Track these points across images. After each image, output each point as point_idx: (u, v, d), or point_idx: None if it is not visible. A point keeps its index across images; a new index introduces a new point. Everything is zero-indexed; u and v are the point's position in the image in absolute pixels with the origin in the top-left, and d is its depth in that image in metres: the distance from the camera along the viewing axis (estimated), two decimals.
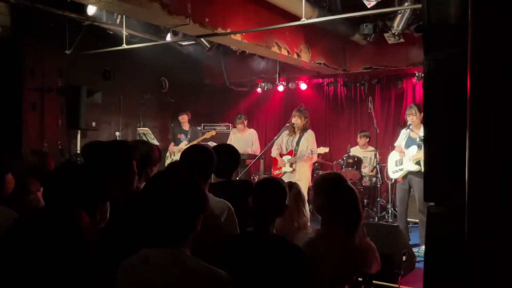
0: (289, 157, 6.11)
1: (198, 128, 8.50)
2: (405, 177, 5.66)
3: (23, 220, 1.23)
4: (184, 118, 7.73)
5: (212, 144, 6.81)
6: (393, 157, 5.90)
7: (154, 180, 1.70)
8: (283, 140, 6.21)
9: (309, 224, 2.93)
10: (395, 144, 5.93)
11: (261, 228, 2.16)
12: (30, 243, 1.17)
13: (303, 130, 6.05)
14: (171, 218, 1.54)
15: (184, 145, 7.45)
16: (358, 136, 7.45)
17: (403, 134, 5.82)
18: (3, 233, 1.23)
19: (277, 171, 6.22)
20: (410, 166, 5.52)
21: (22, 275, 1.15)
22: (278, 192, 2.22)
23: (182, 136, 7.66)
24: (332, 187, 2.50)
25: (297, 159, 6.01)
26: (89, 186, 1.72)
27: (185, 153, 2.58)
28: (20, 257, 1.16)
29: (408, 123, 5.75)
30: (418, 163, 5.36)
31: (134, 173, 2.23)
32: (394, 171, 5.81)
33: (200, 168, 2.46)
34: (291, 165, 6.06)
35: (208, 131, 7.92)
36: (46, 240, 1.17)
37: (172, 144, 7.67)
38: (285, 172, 6.07)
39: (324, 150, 5.98)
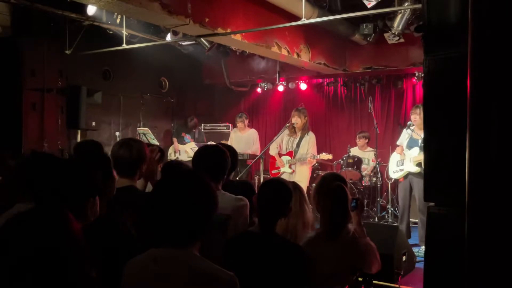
0: (288, 158, 6.10)
1: (198, 128, 8.51)
2: (406, 176, 5.66)
3: (10, 223, 1.22)
4: (193, 124, 7.74)
5: (212, 144, 6.81)
6: (394, 157, 5.90)
7: (165, 181, 1.69)
8: (283, 140, 6.20)
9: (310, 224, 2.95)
10: (397, 143, 5.93)
11: (266, 228, 2.16)
12: (16, 246, 1.16)
13: (304, 130, 6.04)
14: (181, 219, 1.54)
15: (190, 146, 7.45)
16: (357, 137, 7.45)
17: (405, 134, 5.82)
18: None
19: (275, 171, 6.21)
20: (411, 167, 5.52)
21: (10, 278, 1.14)
22: (283, 193, 2.23)
23: (187, 136, 7.64)
24: (323, 186, 2.53)
25: (297, 161, 6.01)
26: (77, 182, 1.72)
27: (198, 154, 2.61)
28: (8, 260, 1.15)
29: (408, 123, 5.75)
30: (419, 164, 5.36)
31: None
32: (395, 171, 5.81)
33: (214, 168, 2.50)
34: (290, 166, 6.06)
35: (219, 129, 7.95)
36: (32, 243, 1.16)
37: (175, 141, 7.63)
38: (283, 173, 6.06)
39: (327, 156, 5.98)
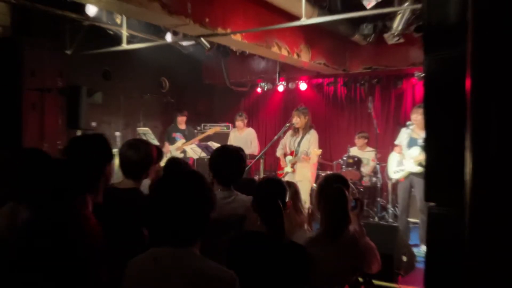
0: (290, 157, 6.11)
1: (198, 128, 8.49)
2: (406, 176, 5.66)
3: (34, 219, 1.25)
4: (183, 119, 7.70)
5: (213, 144, 6.80)
6: (394, 157, 5.90)
7: (165, 180, 1.69)
8: (287, 140, 6.21)
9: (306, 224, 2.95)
10: (395, 143, 5.92)
11: (269, 227, 2.16)
12: (39, 240, 1.18)
13: (306, 129, 6.03)
14: (180, 219, 1.54)
15: (181, 143, 7.41)
16: (356, 137, 7.43)
17: (404, 133, 5.81)
18: (16, 230, 1.23)
19: (280, 171, 6.22)
20: (412, 167, 5.52)
21: (31, 269, 1.17)
22: (279, 189, 2.24)
23: (177, 135, 7.61)
24: (323, 187, 2.53)
25: (297, 160, 6.01)
26: (69, 179, 1.72)
27: (216, 160, 2.62)
28: (31, 251, 1.18)
29: (407, 123, 5.75)
30: (420, 164, 5.35)
31: (110, 164, 2.22)
32: (395, 171, 5.80)
33: (229, 173, 2.53)
34: (292, 166, 6.06)
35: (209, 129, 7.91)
36: (53, 238, 1.18)
37: (166, 144, 7.64)
38: (287, 173, 6.06)
39: (316, 152, 5.93)
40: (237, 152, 2.65)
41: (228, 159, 2.59)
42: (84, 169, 1.79)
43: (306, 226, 2.87)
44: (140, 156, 2.39)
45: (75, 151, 2.17)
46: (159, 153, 3.20)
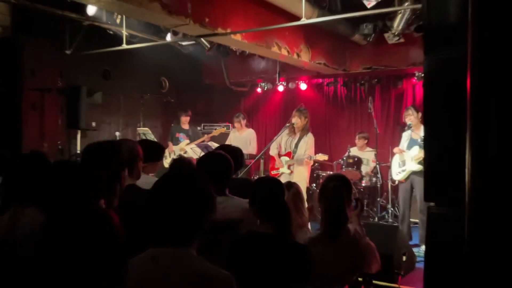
0: (287, 158, 6.09)
1: (198, 128, 8.49)
2: (407, 177, 5.66)
3: (56, 220, 1.26)
4: (187, 119, 7.70)
5: (212, 144, 6.80)
6: (396, 159, 5.90)
7: (163, 180, 1.68)
8: (283, 140, 6.19)
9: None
10: (398, 147, 5.92)
11: (275, 226, 2.16)
12: (62, 242, 1.20)
13: (303, 131, 6.02)
14: (179, 219, 1.54)
15: (185, 144, 7.42)
16: (356, 137, 7.43)
17: (405, 136, 5.82)
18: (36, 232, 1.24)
19: (274, 171, 6.21)
20: (413, 166, 5.52)
21: (53, 271, 1.19)
22: (276, 188, 2.23)
23: (181, 136, 7.61)
24: (323, 186, 2.53)
25: (295, 162, 6.00)
26: (84, 184, 1.73)
27: (202, 161, 2.63)
28: (54, 253, 1.20)
29: (408, 124, 5.76)
30: (420, 162, 5.36)
31: (125, 170, 2.25)
32: (398, 172, 5.80)
33: (219, 176, 2.52)
34: (288, 167, 6.05)
35: (214, 130, 7.90)
36: (77, 240, 1.20)
37: (170, 144, 7.65)
38: (282, 173, 6.06)
39: (323, 157, 5.92)
40: (221, 156, 2.64)
41: (213, 165, 2.58)
42: (102, 174, 1.82)
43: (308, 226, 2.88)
44: (126, 152, 2.44)
45: (92, 158, 2.21)
46: (159, 150, 3.20)
